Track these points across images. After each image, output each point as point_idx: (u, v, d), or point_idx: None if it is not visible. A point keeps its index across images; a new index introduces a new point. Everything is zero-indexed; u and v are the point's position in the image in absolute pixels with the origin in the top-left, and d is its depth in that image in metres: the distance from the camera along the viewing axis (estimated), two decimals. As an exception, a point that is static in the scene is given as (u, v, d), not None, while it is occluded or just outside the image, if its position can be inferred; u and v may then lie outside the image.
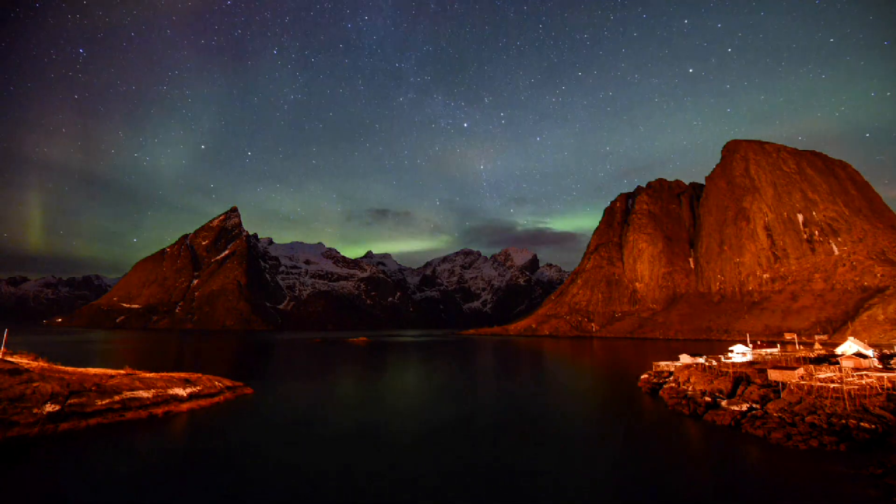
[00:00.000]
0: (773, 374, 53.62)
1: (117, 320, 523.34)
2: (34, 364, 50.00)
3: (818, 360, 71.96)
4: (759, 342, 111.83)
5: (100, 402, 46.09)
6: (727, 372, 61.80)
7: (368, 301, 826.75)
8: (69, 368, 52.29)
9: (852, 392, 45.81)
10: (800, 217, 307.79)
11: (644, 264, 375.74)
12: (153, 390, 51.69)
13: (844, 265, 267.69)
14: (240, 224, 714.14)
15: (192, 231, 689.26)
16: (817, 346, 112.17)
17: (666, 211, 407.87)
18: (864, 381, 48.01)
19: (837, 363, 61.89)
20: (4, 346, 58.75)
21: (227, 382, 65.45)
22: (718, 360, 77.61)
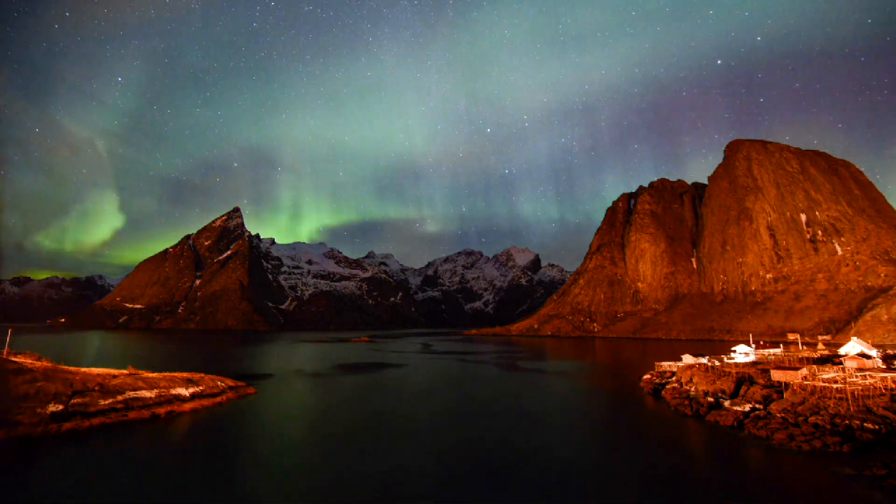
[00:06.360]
0: (776, 375, 53.42)
1: (120, 320, 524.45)
2: (38, 364, 50.24)
3: (821, 361, 71.67)
4: (761, 342, 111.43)
5: (103, 402, 46.28)
6: (730, 372, 61.60)
7: (370, 301, 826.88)
8: (72, 368, 52.50)
9: (856, 392, 45.60)
10: (803, 217, 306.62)
11: (646, 264, 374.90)
12: (156, 390, 51.86)
13: (848, 265, 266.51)
14: (242, 224, 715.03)
15: (194, 231, 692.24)
16: (820, 346, 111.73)
17: (668, 211, 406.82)
18: (867, 382, 47.78)
19: (841, 363, 61.59)
20: (8, 346, 59.07)
21: (230, 382, 65.60)
22: (721, 361, 77.41)
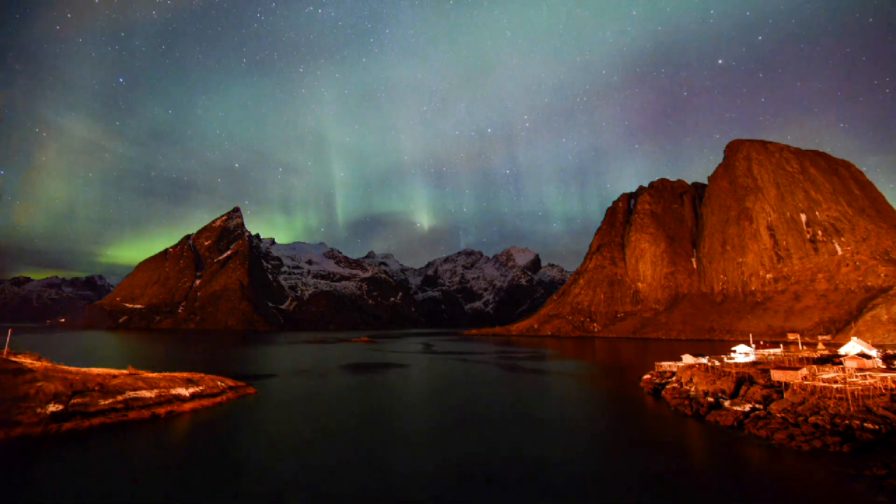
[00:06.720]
0: (776, 375, 53.41)
1: (120, 320, 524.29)
2: (38, 364, 50.24)
3: (821, 361, 71.67)
4: (761, 342, 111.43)
5: (103, 402, 46.27)
6: (730, 372, 61.60)
7: (370, 301, 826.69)
8: (72, 368, 52.50)
9: (856, 392, 45.60)
10: (803, 217, 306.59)
11: (646, 264, 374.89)
12: (156, 390, 51.85)
13: (848, 265, 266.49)
14: (242, 224, 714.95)
15: (194, 231, 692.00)
16: (820, 346, 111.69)
17: (668, 211, 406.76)
18: (867, 382, 47.77)
19: (841, 363, 61.60)
20: (8, 346, 59.04)
21: (230, 382, 65.60)
22: (721, 361, 77.40)
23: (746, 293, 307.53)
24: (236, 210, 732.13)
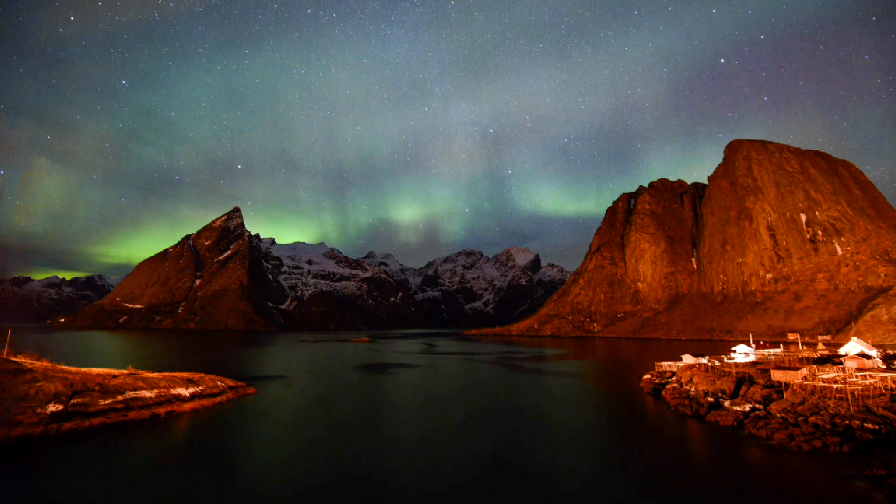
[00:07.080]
0: (776, 375, 53.42)
1: (120, 320, 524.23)
2: (38, 364, 50.25)
3: (821, 361, 71.67)
4: (761, 342, 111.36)
5: (103, 402, 46.26)
6: (730, 372, 61.60)
7: (370, 301, 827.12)
8: (72, 368, 52.52)
9: (856, 392, 45.59)
10: (803, 217, 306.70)
11: (646, 264, 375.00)
12: (156, 390, 51.85)
13: (848, 265, 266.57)
14: (242, 224, 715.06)
15: (194, 231, 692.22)
16: (820, 346, 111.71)
17: (668, 211, 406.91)
18: (867, 382, 47.76)
19: (841, 363, 61.60)
20: (8, 346, 59.04)
21: (230, 382, 65.59)
22: (721, 361, 77.39)
23: (746, 293, 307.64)
24: (236, 210, 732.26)
